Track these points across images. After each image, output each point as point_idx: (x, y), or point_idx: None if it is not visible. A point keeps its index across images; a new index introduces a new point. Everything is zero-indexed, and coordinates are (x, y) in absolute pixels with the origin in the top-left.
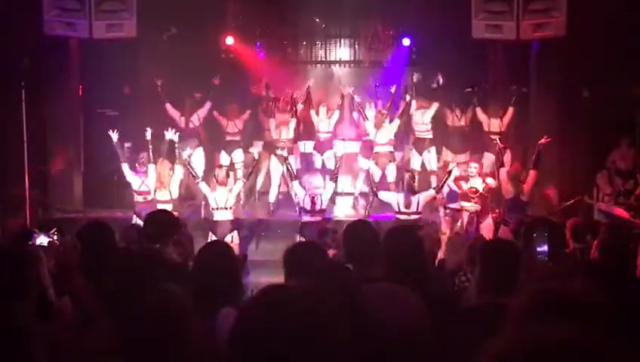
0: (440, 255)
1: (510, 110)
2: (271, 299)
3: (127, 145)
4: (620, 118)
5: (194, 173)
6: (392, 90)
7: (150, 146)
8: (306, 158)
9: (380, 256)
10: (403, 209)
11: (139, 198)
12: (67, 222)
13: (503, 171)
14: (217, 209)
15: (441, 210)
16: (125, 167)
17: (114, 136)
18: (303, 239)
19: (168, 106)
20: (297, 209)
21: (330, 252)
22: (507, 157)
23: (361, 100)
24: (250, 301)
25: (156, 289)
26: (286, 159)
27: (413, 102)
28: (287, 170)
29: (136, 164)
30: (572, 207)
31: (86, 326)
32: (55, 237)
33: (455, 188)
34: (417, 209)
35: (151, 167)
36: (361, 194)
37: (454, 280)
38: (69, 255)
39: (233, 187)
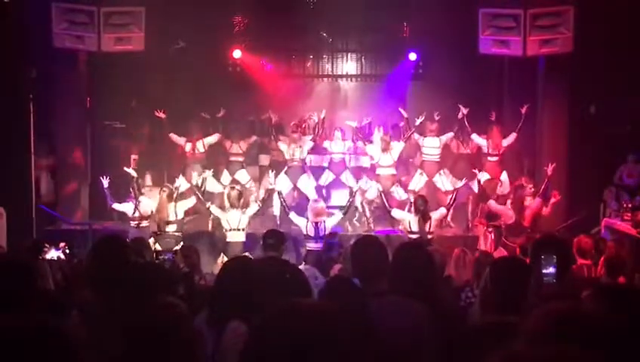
0: (448, 271)
1: (513, 135)
2: (283, 315)
3: (133, 156)
4: (627, 134)
5: (202, 199)
6: (404, 113)
7: (134, 184)
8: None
9: (388, 271)
10: (415, 229)
11: (132, 223)
12: (74, 233)
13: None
14: (230, 230)
15: (482, 227)
16: (116, 206)
17: (105, 181)
18: (307, 267)
19: (172, 136)
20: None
21: (337, 267)
22: (504, 177)
23: (358, 126)
24: (264, 317)
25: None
26: (280, 194)
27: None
28: (282, 204)
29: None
30: (578, 222)
31: (93, 340)
32: (65, 251)
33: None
34: (429, 229)
35: (142, 198)
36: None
37: (461, 295)
38: (77, 268)
39: (247, 209)
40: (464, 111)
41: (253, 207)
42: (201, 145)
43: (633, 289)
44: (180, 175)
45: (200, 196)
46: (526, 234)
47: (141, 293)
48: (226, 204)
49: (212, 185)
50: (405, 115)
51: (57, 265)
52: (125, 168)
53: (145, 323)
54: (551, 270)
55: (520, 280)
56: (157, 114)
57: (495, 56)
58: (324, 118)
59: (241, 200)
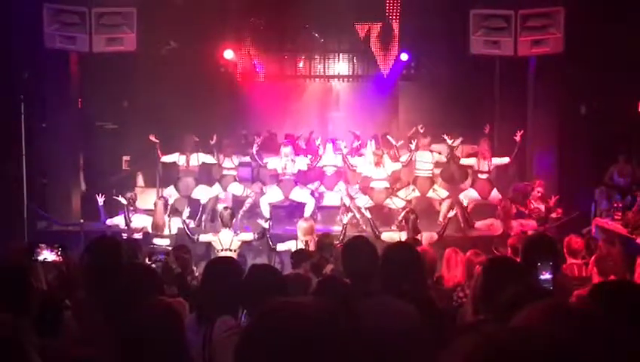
0: (440, 271)
1: (506, 159)
2: (275, 314)
3: (125, 158)
4: (617, 134)
5: (189, 234)
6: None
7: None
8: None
9: (378, 272)
10: None
11: (124, 235)
12: (66, 234)
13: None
14: (222, 250)
15: None
16: (109, 222)
17: (100, 199)
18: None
19: (164, 159)
20: None
21: (329, 267)
22: (494, 194)
23: (349, 148)
24: (255, 316)
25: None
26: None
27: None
28: (268, 238)
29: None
30: (569, 222)
31: (87, 341)
32: (59, 253)
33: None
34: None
35: (135, 217)
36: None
37: (452, 295)
38: (70, 269)
39: (241, 234)
40: (420, 129)
41: (248, 236)
42: (195, 160)
43: (630, 285)
44: (172, 186)
45: (187, 231)
46: (516, 235)
47: (135, 294)
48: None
49: (202, 195)
50: (357, 132)
51: (50, 266)
52: (115, 197)
53: (138, 323)
54: (547, 276)
55: (511, 279)
56: (151, 138)
57: (486, 57)
58: (311, 135)
59: (234, 220)
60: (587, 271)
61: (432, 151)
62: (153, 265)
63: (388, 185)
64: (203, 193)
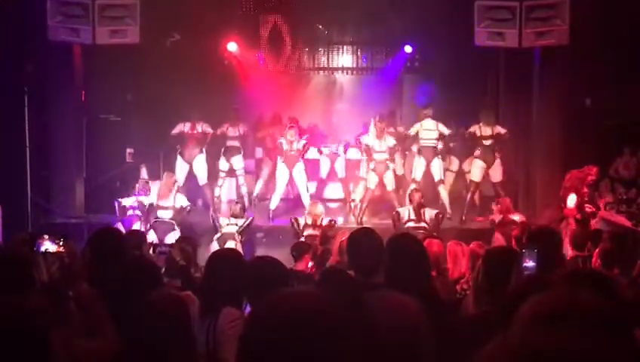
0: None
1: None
2: (281, 304)
3: (129, 150)
4: (622, 126)
5: (217, 225)
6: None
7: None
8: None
9: (383, 264)
10: (413, 217)
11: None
12: (69, 227)
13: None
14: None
15: None
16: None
17: (143, 171)
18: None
19: (173, 132)
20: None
21: (332, 259)
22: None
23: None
24: (260, 306)
25: (155, 294)
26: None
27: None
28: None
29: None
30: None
31: (90, 333)
32: (61, 244)
33: None
34: (426, 220)
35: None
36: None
37: (456, 287)
38: (73, 261)
39: (238, 221)
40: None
41: (240, 221)
42: (200, 127)
43: (603, 275)
44: (178, 155)
45: (216, 224)
46: (521, 225)
47: (136, 286)
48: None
49: (200, 169)
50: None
51: (53, 258)
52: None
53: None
54: (531, 264)
55: (510, 269)
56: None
57: (491, 49)
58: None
59: (245, 212)
60: (592, 263)
61: (436, 121)
62: (157, 257)
63: (387, 156)
64: (203, 169)
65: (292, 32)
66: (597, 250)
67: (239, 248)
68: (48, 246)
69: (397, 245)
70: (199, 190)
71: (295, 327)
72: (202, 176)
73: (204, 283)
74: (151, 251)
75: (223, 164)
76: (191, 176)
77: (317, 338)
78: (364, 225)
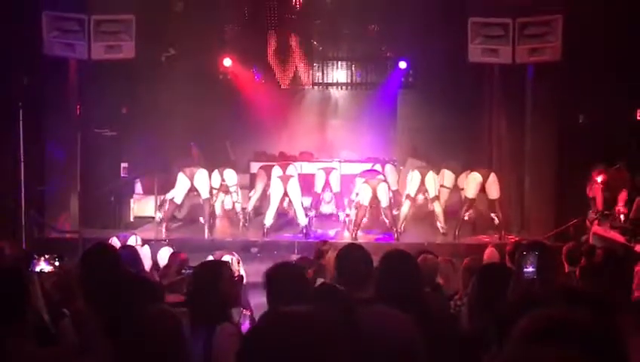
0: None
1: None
2: (278, 321)
3: (123, 165)
4: (616, 142)
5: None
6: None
7: None
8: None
9: (372, 279)
10: None
11: None
12: (63, 242)
13: None
14: None
15: None
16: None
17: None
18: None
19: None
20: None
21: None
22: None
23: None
24: (256, 324)
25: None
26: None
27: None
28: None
29: None
30: (567, 230)
31: (86, 350)
32: (55, 263)
33: None
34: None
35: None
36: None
37: (450, 303)
38: (69, 278)
39: None
40: None
41: None
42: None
43: (598, 293)
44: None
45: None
46: (514, 241)
47: (131, 303)
48: None
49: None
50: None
51: (47, 276)
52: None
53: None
54: (530, 269)
55: (504, 285)
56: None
57: (485, 65)
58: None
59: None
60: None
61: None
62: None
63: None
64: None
65: (288, 47)
66: (581, 264)
67: (234, 263)
68: (43, 266)
69: (391, 261)
70: (200, 207)
71: (292, 344)
72: (204, 191)
73: (192, 299)
74: (175, 272)
75: (215, 179)
76: (191, 192)
77: (313, 355)
78: (358, 241)
